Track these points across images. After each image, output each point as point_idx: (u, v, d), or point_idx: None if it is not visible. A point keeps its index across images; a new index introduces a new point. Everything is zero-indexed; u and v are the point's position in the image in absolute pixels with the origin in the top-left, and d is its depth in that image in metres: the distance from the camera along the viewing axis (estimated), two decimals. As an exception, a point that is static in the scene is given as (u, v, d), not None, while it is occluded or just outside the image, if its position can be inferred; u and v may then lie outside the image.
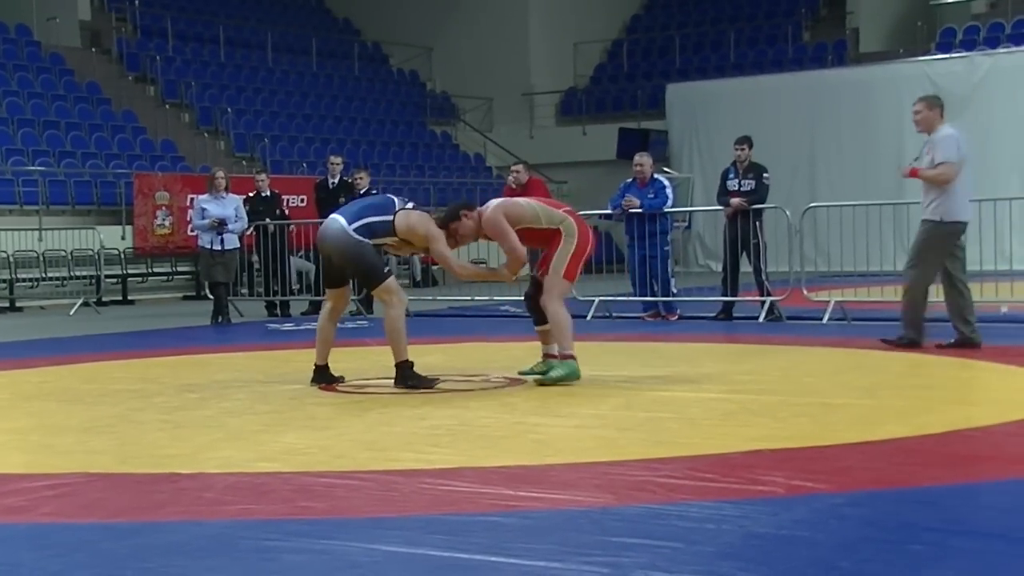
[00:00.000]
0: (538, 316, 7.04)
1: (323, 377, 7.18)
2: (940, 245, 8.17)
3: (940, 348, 8.24)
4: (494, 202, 7.06)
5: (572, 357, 6.80)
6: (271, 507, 4.00)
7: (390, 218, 6.83)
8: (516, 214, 6.90)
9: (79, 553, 3.54)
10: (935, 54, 22.69)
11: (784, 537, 3.48)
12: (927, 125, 8.34)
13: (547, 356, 7.02)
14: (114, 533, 3.75)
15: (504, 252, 7.00)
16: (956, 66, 21.26)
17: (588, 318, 11.24)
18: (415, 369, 6.87)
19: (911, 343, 8.26)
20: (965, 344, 8.22)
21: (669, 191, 11.78)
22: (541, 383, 6.81)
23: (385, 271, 6.91)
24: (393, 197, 7.08)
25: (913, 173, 8.33)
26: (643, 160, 11.80)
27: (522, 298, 12.88)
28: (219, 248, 12.81)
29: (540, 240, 6.99)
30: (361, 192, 13.94)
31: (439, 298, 14.67)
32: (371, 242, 6.82)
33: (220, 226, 12.80)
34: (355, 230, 6.78)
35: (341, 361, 8.56)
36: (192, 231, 16.10)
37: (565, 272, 6.85)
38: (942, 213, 8.11)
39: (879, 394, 6.31)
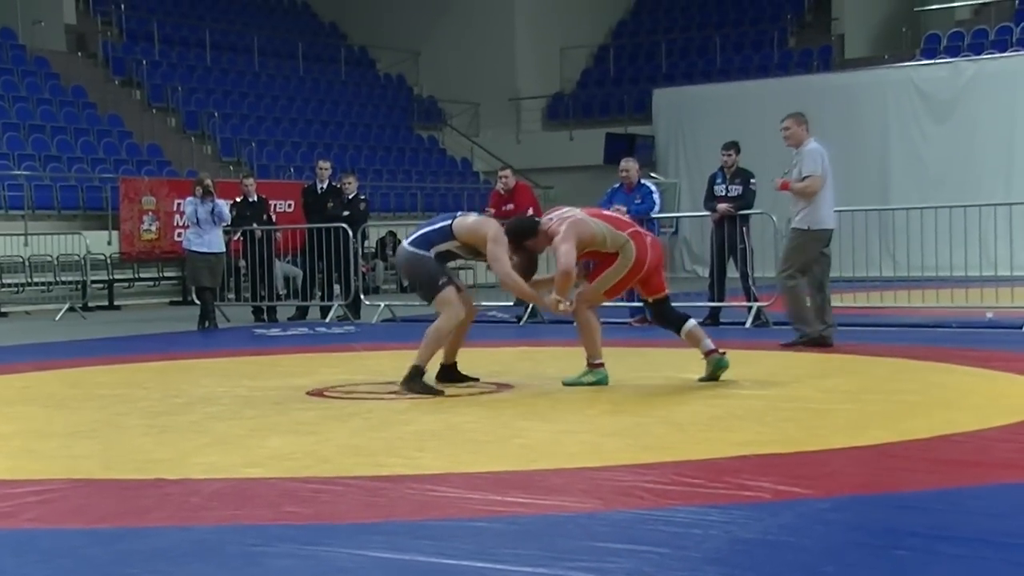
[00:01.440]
0: (672, 327, 7.15)
1: (449, 376, 7.12)
2: (808, 250, 8.87)
3: (784, 346, 8.89)
4: (567, 220, 6.89)
5: (601, 365, 6.91)
6: (257, 512, 3.99)
7: (448, 223, 6.89)
8: (587, 237, 6.88)
9: (63, 559, 3.52)
10: (920, 60, 22.79)
11: (770, 542, 3.48)
12: (796, 140, 9.02)
13: (708, 353, 6.99)
14: (99, 539, 3.73)
15: (557, 274, 6.87)
16: (941, 72, 21.36)
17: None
18: (424, 379, 6.80)
19: (812, 340, 8.80)
20: (817, 342, 8.82)
21: (656, 196, 11.79)
22: (568, 384, 6.88)
23: (440, 283, 6.84)
24: (459, 213, 7.15)
25: (784, 186, 8.99)
26: (629, 165, 11.80)
27: (511, 304, 12.97)
28: (206, 250, 12.78)
29: (600, 258, 7.06)
30: (350, 197, 13.94)
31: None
32: (431, 253, 6.83)
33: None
34: (411, 243, 6.92)
35: (329, 366, 8.57)
36: (179, 235, 16.08)
37: (608, 291, 6.99)
38: (809, 222, 8.82)
39: (864, 399, 6.33)
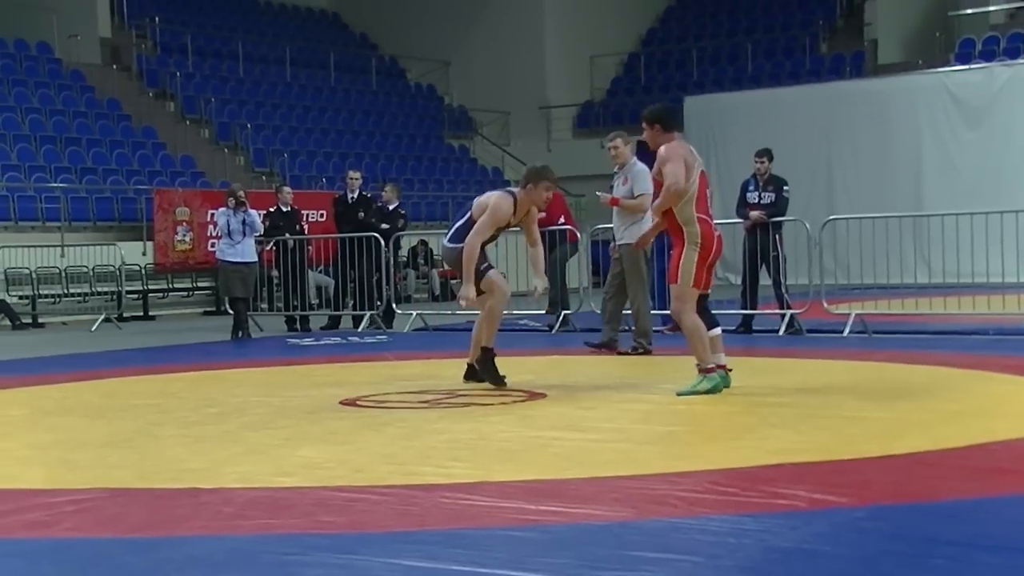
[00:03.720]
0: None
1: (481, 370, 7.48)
2: (639, 261, 9.40)
3: (588, 346, 9.52)
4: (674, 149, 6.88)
5: (714, 370, 6.72)
6: (291, 521, 4.00)
7: (469, 212, 7.38)
8: (685, 166, 6.76)
9: (99, 568, 3.56)
10: (954, 65, 22.62)
11: (805, 551, 3.46)
12: (623, 159, 9.55)
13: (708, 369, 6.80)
14: (134, 548, 3.76)
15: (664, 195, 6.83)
16: (975, 77, 21.18)
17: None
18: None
19: (607, 345, 9.46)
20: (607, 346, 9.40)
21: (688, 204, 11.74)
22: (682, 394, 6.67)
23: (483, 267, 7.32)
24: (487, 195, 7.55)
25: (614, 202, 9.44)
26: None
27: (543, 312, 12.95)
28: (239, 260, 12.86)
29: (672, 228, 6.89)
30: (391, 208, 14.02)
31: (457, 312, 14.67)
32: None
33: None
34: (449, 240, 7.43)
35: (362, 375, 8.59)
36: (213, 246, 16.20)
37: (695, 281, 6.80)
38: (636, 236, 9.12)
39: (899, 407, 6.28)
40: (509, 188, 7.58)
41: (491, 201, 7.30)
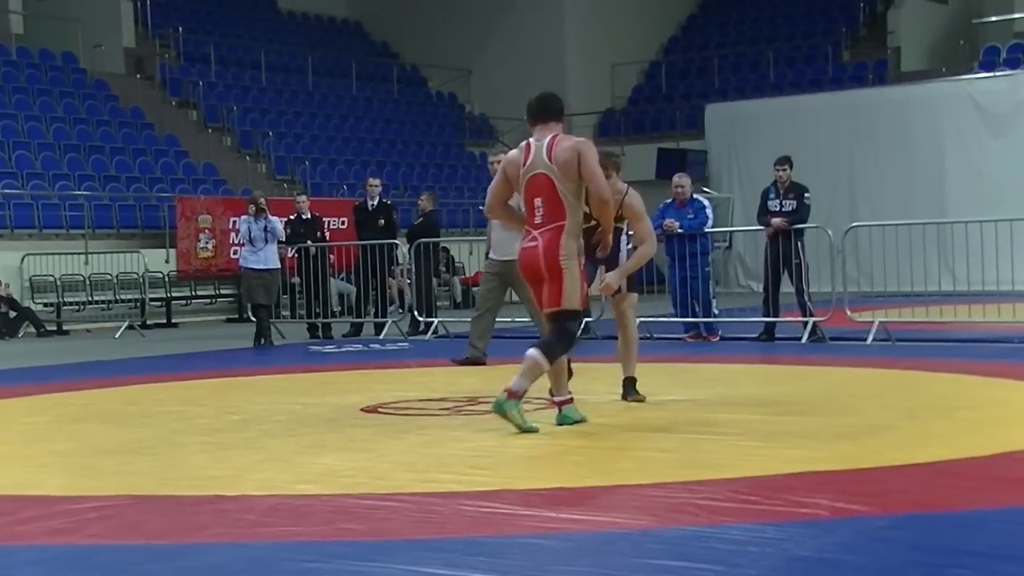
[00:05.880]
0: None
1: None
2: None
3: (454, 362, 9.55)
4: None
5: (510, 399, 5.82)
6: (311, 529, 4.01)
7: None
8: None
9: (122, 575, 3.57)
10: (977, 73, 22.49)
11: (827, 560, 3.45)
12: None
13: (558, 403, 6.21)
14: (156, 555, 3.78)
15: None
16: (999, 84, 21.06)
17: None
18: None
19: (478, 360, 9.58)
20: (475, 361, 9.51)
21: (709, 211, 11.75)
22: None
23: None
24: None
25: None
26: (683, 181, 11.80)
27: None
28: (261, 267, 12.90)
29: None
30: (425, 212, 14.12)
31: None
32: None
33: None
34: None
35: (383, 383, 8.61)
36: (235, 253, 16.28)
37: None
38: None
39: (922, 416, 6.24)
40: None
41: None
